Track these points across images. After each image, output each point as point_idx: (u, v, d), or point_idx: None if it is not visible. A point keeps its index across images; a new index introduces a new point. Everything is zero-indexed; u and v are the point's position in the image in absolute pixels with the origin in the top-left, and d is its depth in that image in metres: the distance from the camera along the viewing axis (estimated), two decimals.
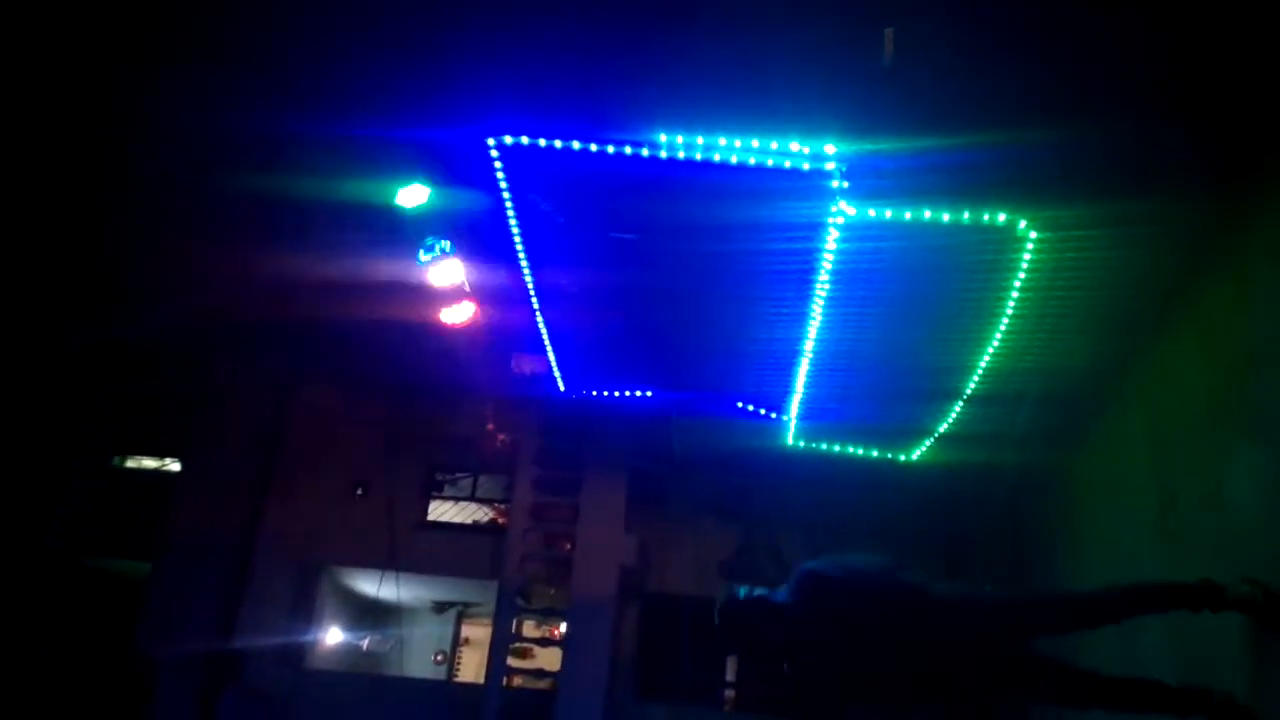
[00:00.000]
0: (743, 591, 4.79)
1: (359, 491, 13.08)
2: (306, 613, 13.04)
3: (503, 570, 12.37)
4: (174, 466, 13.45)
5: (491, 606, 12.60)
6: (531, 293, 7.92)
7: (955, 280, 6.63)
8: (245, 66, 6.51)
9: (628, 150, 5.95)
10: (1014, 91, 5.21)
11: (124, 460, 14.05)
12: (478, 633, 15.23)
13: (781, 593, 4.79)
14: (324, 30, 5.89)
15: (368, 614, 14.35)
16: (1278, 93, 4.84)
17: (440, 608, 15.22)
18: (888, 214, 6.00)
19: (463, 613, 15.52)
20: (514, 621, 12.54)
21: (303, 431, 12.79)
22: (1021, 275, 6.34)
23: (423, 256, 8.05)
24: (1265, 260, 5.27)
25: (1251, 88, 4.88)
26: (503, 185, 6.64)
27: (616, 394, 9.68)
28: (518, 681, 13.00)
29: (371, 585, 13.41)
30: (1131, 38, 4.90)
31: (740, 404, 9.24)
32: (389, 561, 12.66)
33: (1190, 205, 5.62)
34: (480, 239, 7.77)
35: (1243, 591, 4.48)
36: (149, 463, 13.98)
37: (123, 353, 12.23)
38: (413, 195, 7.31)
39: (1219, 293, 5.81)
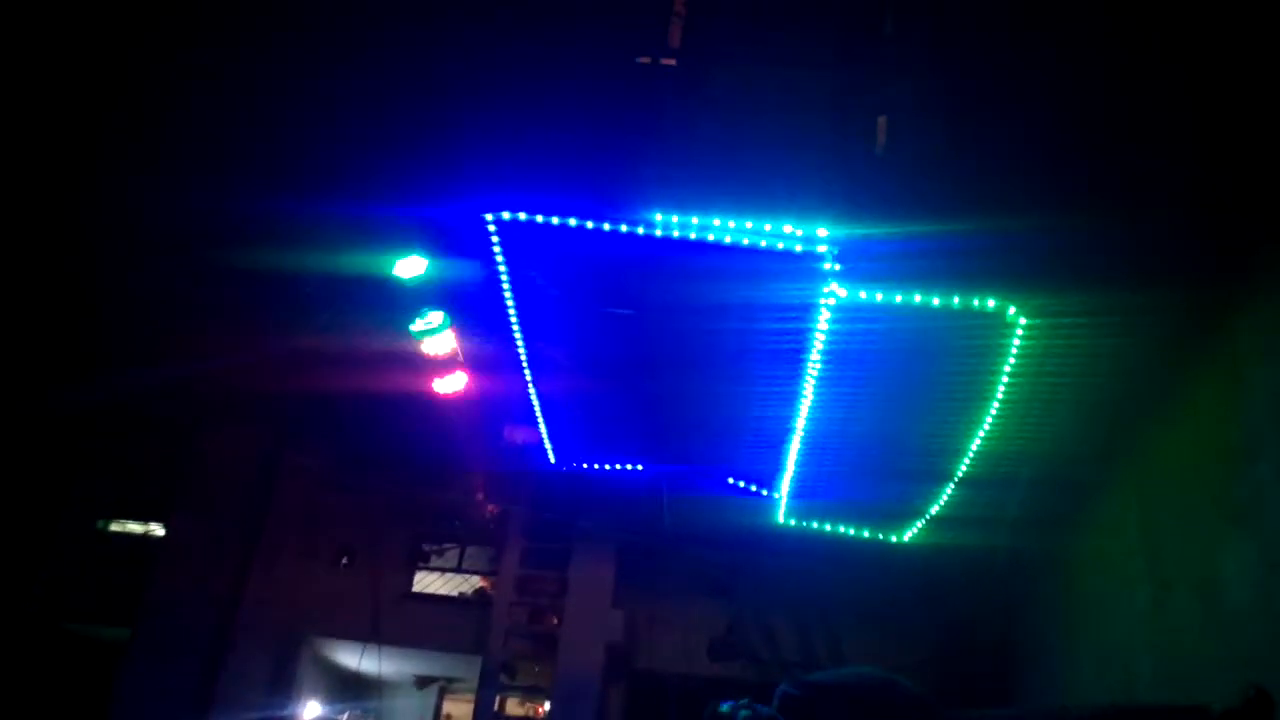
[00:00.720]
0: (725, 707, 4.66)
1: (344, 561, 12.88)
2: (286, 684, 12.74)
3: (488, 644, 12.15)
4: (158, 531, 13.27)
5: (474, 682, 12.35)
6: (525, 365, 7.94)
7: (946, 363, 6.67)
8: (249, 145, 6.61)
9: (624, 228, 6.03)
10: (1005, 180, 5.31)
11: (108, 524, 13.86)
12: (459, 709, 14.87)
13: (768, 709, 4.69)
14: (327, 109, 6.01)
15: (348, 687, 14.02)
16: (1271, 192, 4.94)
17: (422, 683, 14.88)
18: (879, 297, 6.06)
19: (445, 688, 15.18)
20: (497, 699, 12.26)
21: (289, 500, 12.65)
22: (1012, 360, 6.38)
23: (416, 327, 8.09)
24: (1256, 356, 5.33)
25: (1246, 185, 4.98)
26: (499, 260, 6.71)
27: (607, 467, 9.64)
28: None
29: (353, 658, 13.13)
30: (1126, 132, 5.02)
31: (731, 480, 9.21)
32: (372, 633, 12.43)
33: (1182, 299, 5.69)
34: (475, 311, 7.81)
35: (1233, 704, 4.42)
36: (134, 526, 13.79)
37: (111, 417, 12.14)
38: (410, 266, 7.36)
39: (1209, 386, 5.86)
